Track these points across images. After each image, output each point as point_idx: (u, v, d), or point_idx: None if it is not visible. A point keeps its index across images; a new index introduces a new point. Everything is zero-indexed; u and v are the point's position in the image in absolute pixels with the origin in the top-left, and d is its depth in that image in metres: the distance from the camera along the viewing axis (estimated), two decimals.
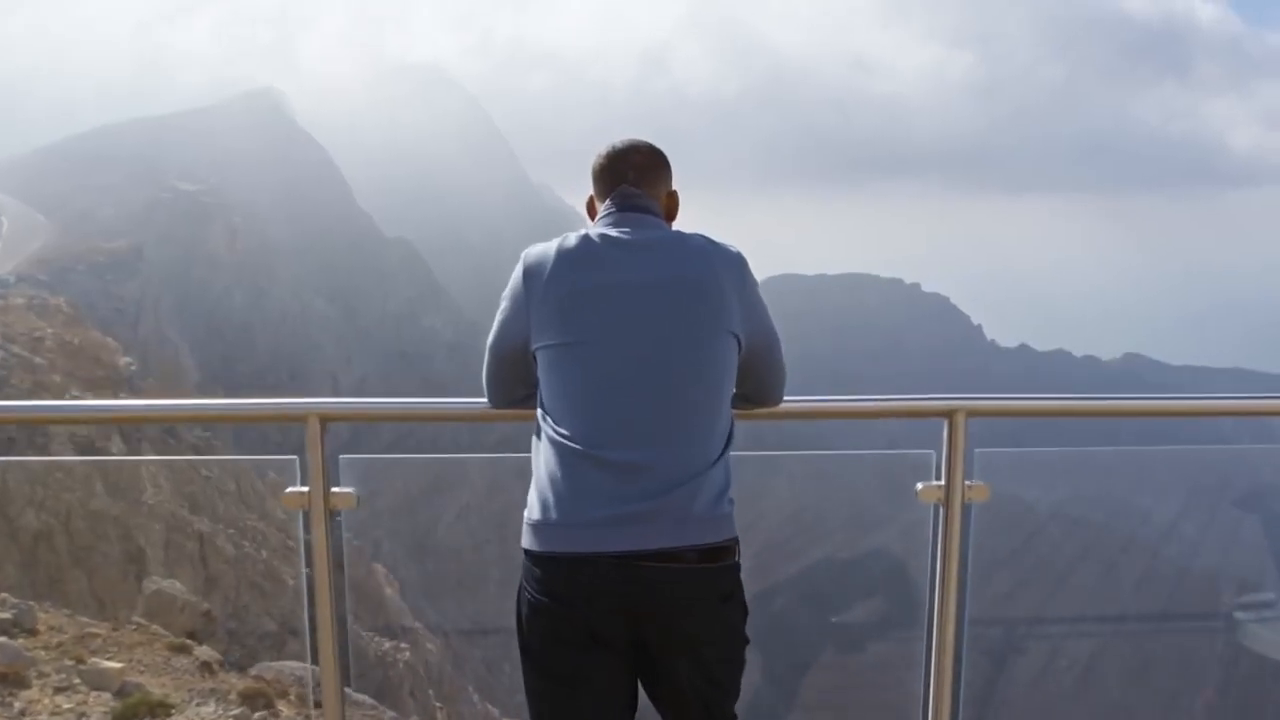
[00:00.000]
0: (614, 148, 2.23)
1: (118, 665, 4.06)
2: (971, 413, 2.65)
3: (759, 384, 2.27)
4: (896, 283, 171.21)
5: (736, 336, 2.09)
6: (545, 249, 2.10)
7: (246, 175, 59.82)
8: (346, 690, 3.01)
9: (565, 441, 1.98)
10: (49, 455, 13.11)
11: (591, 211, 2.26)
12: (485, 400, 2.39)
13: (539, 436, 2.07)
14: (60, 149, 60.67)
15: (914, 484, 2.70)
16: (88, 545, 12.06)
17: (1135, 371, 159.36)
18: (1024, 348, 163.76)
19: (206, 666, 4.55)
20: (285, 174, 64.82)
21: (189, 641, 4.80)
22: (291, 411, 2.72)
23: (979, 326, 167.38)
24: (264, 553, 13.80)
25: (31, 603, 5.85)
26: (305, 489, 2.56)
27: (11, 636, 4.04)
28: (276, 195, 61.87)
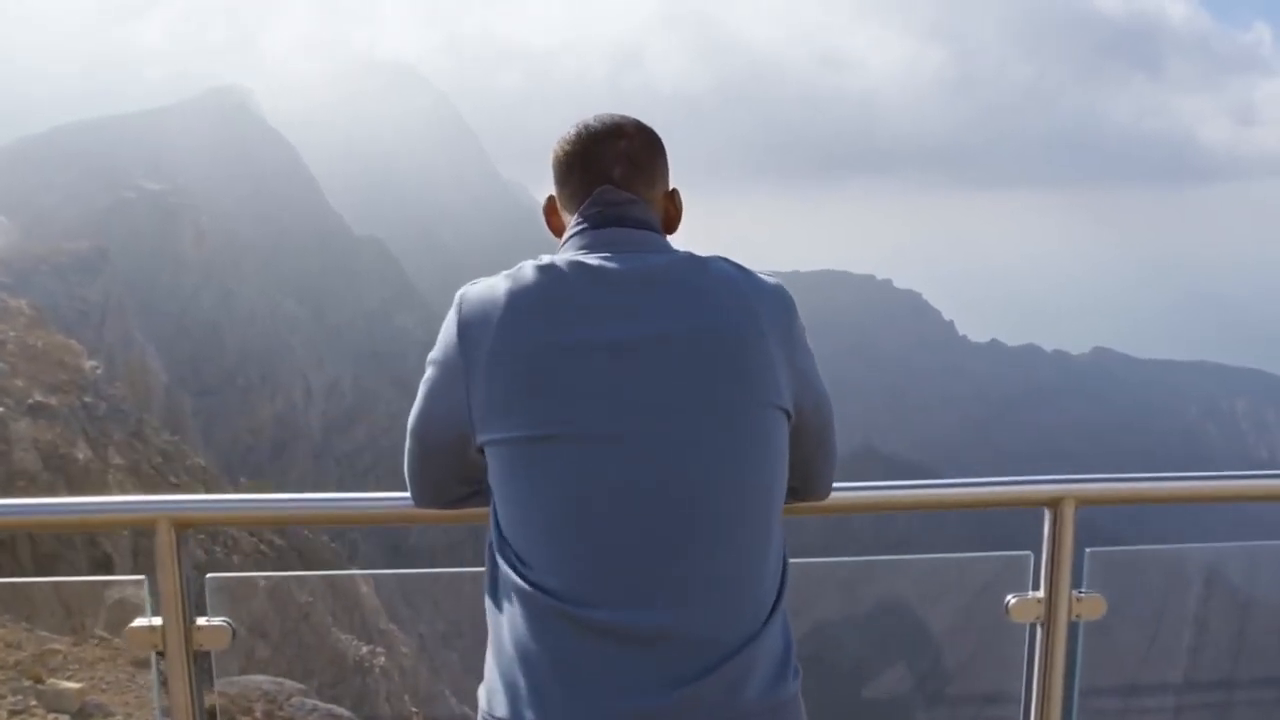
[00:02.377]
0: (588, 129, 1.54)
1: (77, 686, 3.90)
2: (1084, 500, 2.06)
3: (806, 472, 1.58)
4: (869, 279, 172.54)
5: (786, 412, 1.44)
6: (491, 288, 1.42)
7: (213, 174, 59.01)
8: (329, 706, 2.72)
9: (540, 595, 1.32)
10: (12, 461, 12.80)
11: (554, 222, 1.59)
12: (408, 496, 1.98)
13: (494, 581, 1.40)
14: (16, 149, 59.45)
15: (1003, 596, 2.10)
16: (52, 553, 11.80)
17: (1104, 365, 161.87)
18: (994, 343, 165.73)
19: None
20: (253, 172, 64.02)
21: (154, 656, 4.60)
22: (135, 514, 2.14)
23: (950, 322, 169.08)
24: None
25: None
26: (156, 621, 1.92)
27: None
28: (244, 194, 61.09)
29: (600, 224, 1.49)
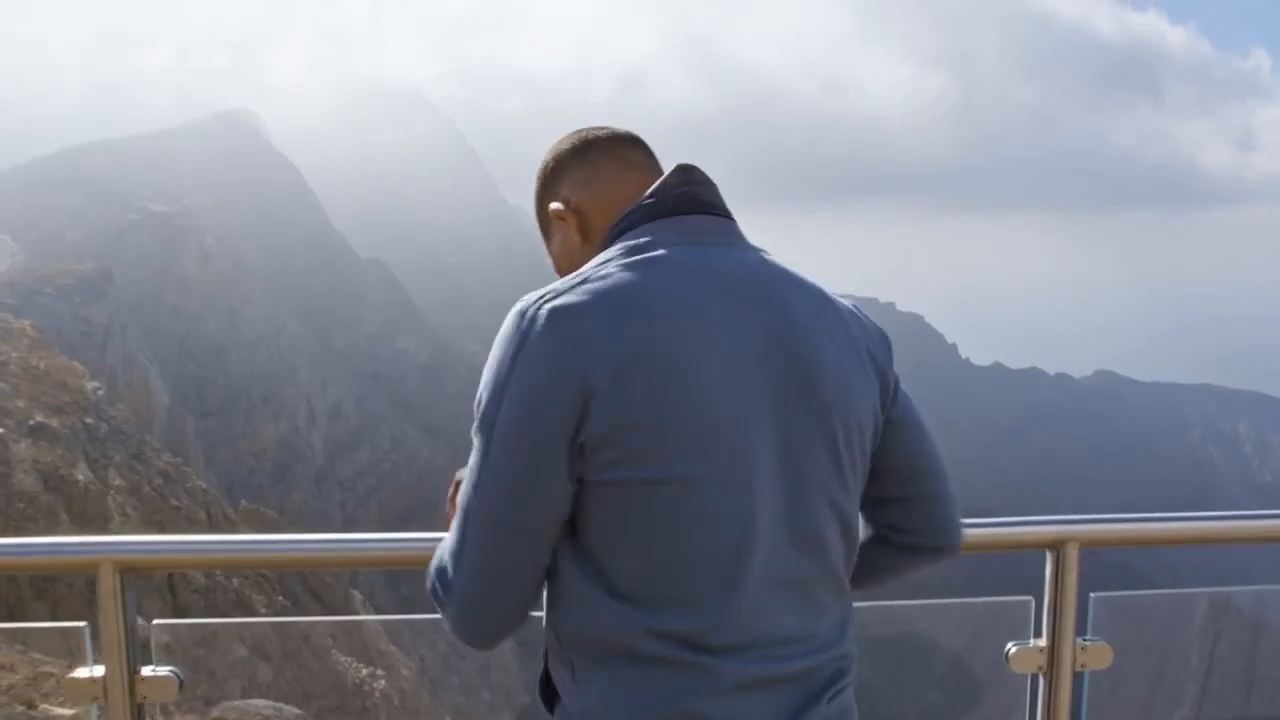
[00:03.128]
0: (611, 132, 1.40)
1: (70, 712, 3.85)
2: (1088, 542, 1.96)
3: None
4: (871, 302, 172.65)
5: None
6: (597, 294, 1.16)
7: (218, 196, 59.34)
8: None
9: (680, 651, 1.15)
10: (11, 484, 12.76)
11: (572, 223, 1.34)
12: (360, 538, 1.75)
13: (583, 647, 1.19)
14: (23, 171, 59.89)
15: (1004, 644, 1.98)
16: (50, 575, 11.73)
17: (1107, 387, 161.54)
18: (997, 366, 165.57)
19: (163, 709, 4.31)
20: (258, 195, 64.37)
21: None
22: (77, 556, 2.00)
23: (953, 345, 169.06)
24: None
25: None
26: (98, 671, 1.79)
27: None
28: (249, 217, 61.37)
29: (699, 208, 1.27)
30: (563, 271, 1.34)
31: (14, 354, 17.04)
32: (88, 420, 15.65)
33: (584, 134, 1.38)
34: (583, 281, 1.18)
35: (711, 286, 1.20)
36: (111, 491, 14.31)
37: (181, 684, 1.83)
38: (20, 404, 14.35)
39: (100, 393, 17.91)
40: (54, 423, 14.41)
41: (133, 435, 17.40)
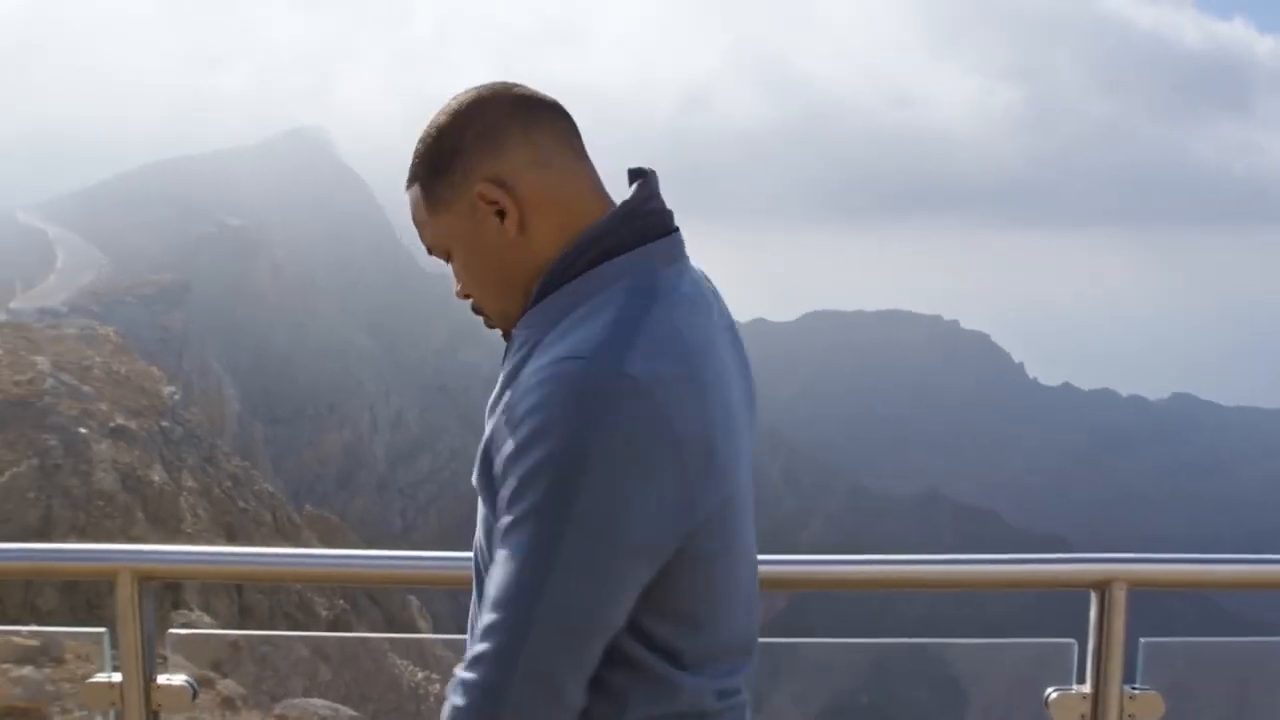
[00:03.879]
0: (515, 91, 1.13)
1: None
2: (1136, 583, 1.82)
3: None
4: (935, 319, 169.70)
5: None
6: (667, 357, 1.02)
7: (291, 211, 61.19)
8: None
9: (736, 704, 1.15)
10: (91, 482, 13.32)
11: (466, 224, 1.13)
12: (378, 555, 1.81)
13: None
14: (110, 186, 62.64)
15: (1044, 689, 1.85)
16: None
17: (1186, 412, 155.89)
18: (1067, 386, 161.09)
19: (229, 702, 4.45)
20: (328, 210, 66.19)
21: (212, 675, 4.60)
22: (95, 564, 2.04)
23: (1020, 364, 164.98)
24: None
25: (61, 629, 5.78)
26: (115, 678, 1.83)
27: (38, 665, 3.95)
28: (320, 231, 63.13)
29: (667, 230, 1.12)
30: (481, 279, 1.12)
31: (98, 359, 17.80)
32: (164, 424, 16.25)
33: (517, 94, 1.11)
34: (637, 332, 1.01)
35: (707, 316, 1.12)
36: (184, 492, 14.83)
37: (195, 693, 1.85)
38: (103, 406, 14.98)
39: (176, 397, 18.60)
40: (132, 425, 15.00)
41: (205, 439, 18.01)
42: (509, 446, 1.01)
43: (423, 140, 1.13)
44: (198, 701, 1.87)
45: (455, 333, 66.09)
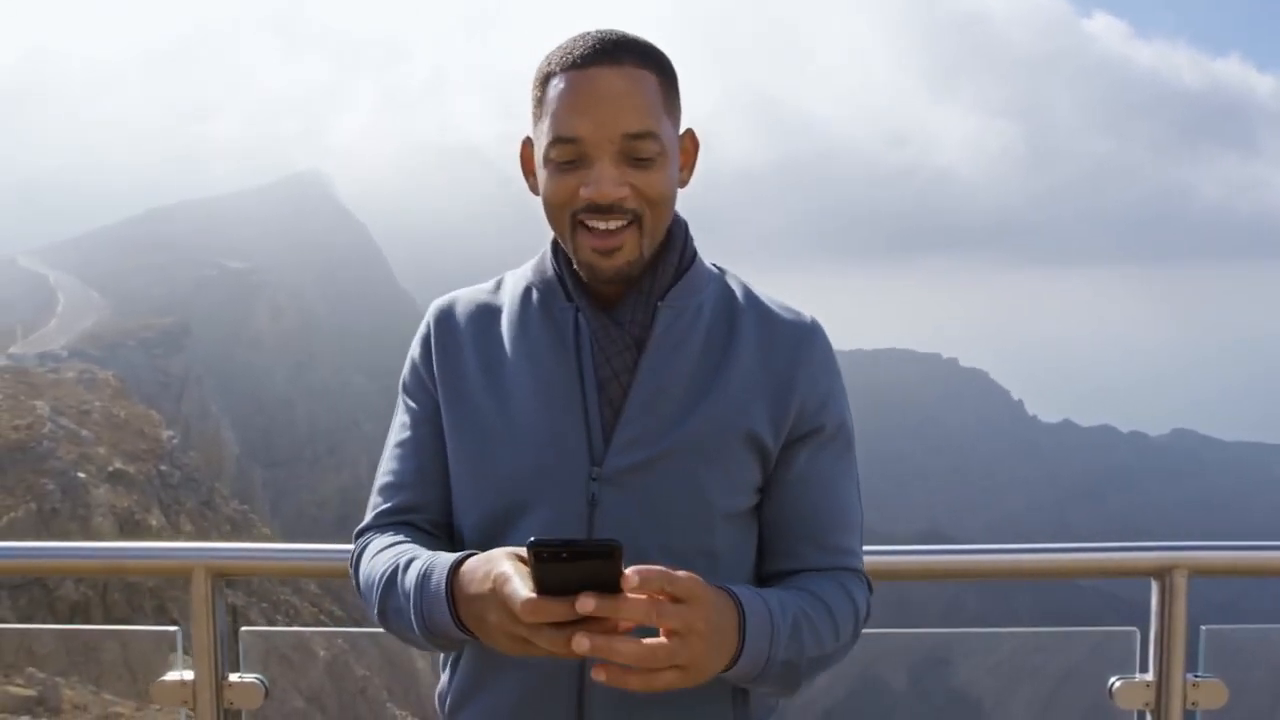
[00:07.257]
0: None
1: None
2: (1198, 570, 1.81)
3: None
4: (934, 357, 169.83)
5: None
6: None
7: (291, 254, 61.63)
8: None
9: None
10: (89, 527, 13.31)
11: (669, 158, 1.14)
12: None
13: None
14: (111, 232, 63.15)
15: (1107, 678, 1.85)
16: (123, 618, 12.12)
17: (1186, 447, 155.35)
18: (1067, 423, 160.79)
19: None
20: (328, 253, 66.66)
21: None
22: (171, 561, 2.06)
23: (1020, 402, 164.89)
24: None
25: (59, 679, 5.80)
26: (188, 676, 1.84)
27: (35, 715, 3.96)
28: (320, 274, 63.52)
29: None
30: (666, 197, 1.14)
31: (97, 403, 17.86)
32: (162, 467, 16.26)
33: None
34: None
35: None
36: (182, 536, 14.80)
37: (268, 691, 1.85)
38: (101, 450, 15.00)
39: (175, 441, 18.61)
40: (131, 469, 15.01)
41: (204, 483, 18.00)
42: (826, 391, 1.26)
43: (648, 47, 1.13)
44: (269, 700, 1.87)
45: None
